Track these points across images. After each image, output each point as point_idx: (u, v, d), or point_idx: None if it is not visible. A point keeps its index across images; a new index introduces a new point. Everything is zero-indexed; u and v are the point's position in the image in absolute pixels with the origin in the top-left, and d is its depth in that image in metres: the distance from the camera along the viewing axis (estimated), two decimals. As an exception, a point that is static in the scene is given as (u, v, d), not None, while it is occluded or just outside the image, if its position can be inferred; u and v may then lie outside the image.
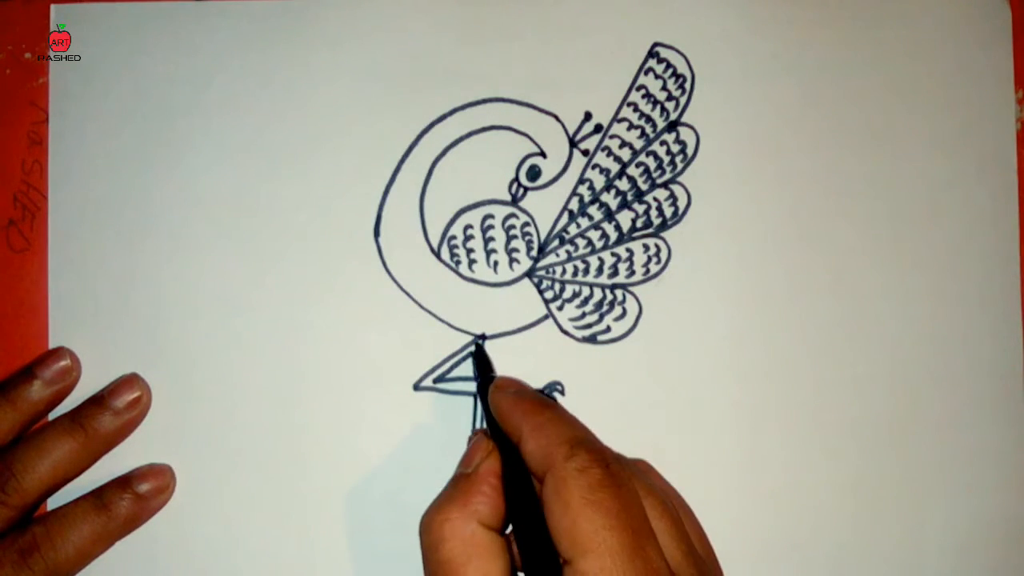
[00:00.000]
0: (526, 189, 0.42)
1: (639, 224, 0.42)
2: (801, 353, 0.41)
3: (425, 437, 0.41)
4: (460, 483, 0.33)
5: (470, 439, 0.37)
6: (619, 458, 0.33)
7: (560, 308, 0.41)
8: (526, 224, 0.41)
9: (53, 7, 0.42)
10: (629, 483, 0.31)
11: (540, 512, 0.31)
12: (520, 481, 0.33)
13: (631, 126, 0.42)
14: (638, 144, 0.42)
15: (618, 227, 0.42)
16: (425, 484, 0.40)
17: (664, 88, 0.42)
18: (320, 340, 0.41)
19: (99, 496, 0.39)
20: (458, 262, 0.41)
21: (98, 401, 0.39)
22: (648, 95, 0.42)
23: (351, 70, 0.41)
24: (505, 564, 0.31)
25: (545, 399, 0.35)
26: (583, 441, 0.32)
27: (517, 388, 0.37)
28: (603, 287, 0.42)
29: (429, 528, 0.32)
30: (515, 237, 0.41)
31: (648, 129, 0.42)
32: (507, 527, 0.33)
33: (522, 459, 0.33)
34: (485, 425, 0.38)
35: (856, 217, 0.42)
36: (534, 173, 0.42)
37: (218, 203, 0.41)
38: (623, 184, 0.42)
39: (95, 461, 0.40)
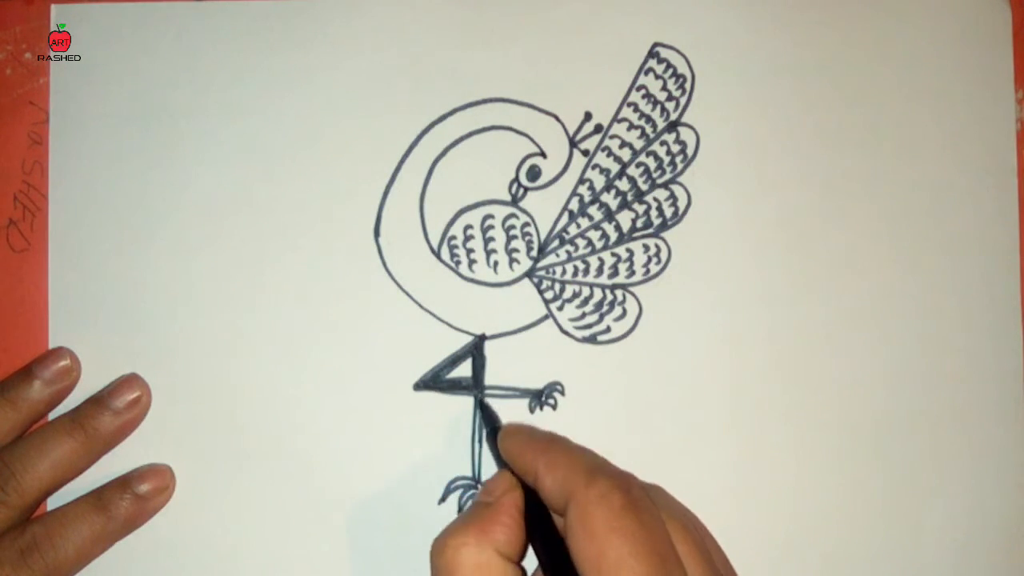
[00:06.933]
0: (526, 189, 0.42)
1: (639, 224, 0.42)
2: (801, 353, 0.41)
3: (425, 437, 0.41)
4: (479, 511, 0.33)
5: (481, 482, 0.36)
6: (639, 482, 0.33)
7: (560, 308, 0.41)
8: (526, 224, 0.41)
9: (53, 7, 0.42)
10: (652, 507, 0.31)
11: (564, 547, 0.30)
12: (542, 518, 0.32)
13: (631, 126, 0.42)
14: (638, 144, 0.42)
15: (618, 227, 0.42)
16: (425, 484, 0.40)
17: (664, 88, 0.42)
18: (320, 340, 0.41)
19: (99, 496, 0.39)
20: (458, 262, 0.41)
21: (98, 401, 0.39)
22: (648, 95, 0.42)
23: (351, 70, 0.41)
24: None
25: (555, 435, 0.35)
26: (601, 468, 0.31)
27: (527, 431, 0.36)
28: (603, 287, 0.42)
29: (443, 552, 0.31)
30: (515, 237, 0.41)
31: (648, 129, 0.42)
32: (522, 559, 0.33)
33: (540, 499, 0.32)
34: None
35: (856, 217, 0.42)
36: (534, 173, 0.42)
37: (218, 203, 0.41)
38: (623, 184, 0.42)
39: (95, 461, 0.40)
